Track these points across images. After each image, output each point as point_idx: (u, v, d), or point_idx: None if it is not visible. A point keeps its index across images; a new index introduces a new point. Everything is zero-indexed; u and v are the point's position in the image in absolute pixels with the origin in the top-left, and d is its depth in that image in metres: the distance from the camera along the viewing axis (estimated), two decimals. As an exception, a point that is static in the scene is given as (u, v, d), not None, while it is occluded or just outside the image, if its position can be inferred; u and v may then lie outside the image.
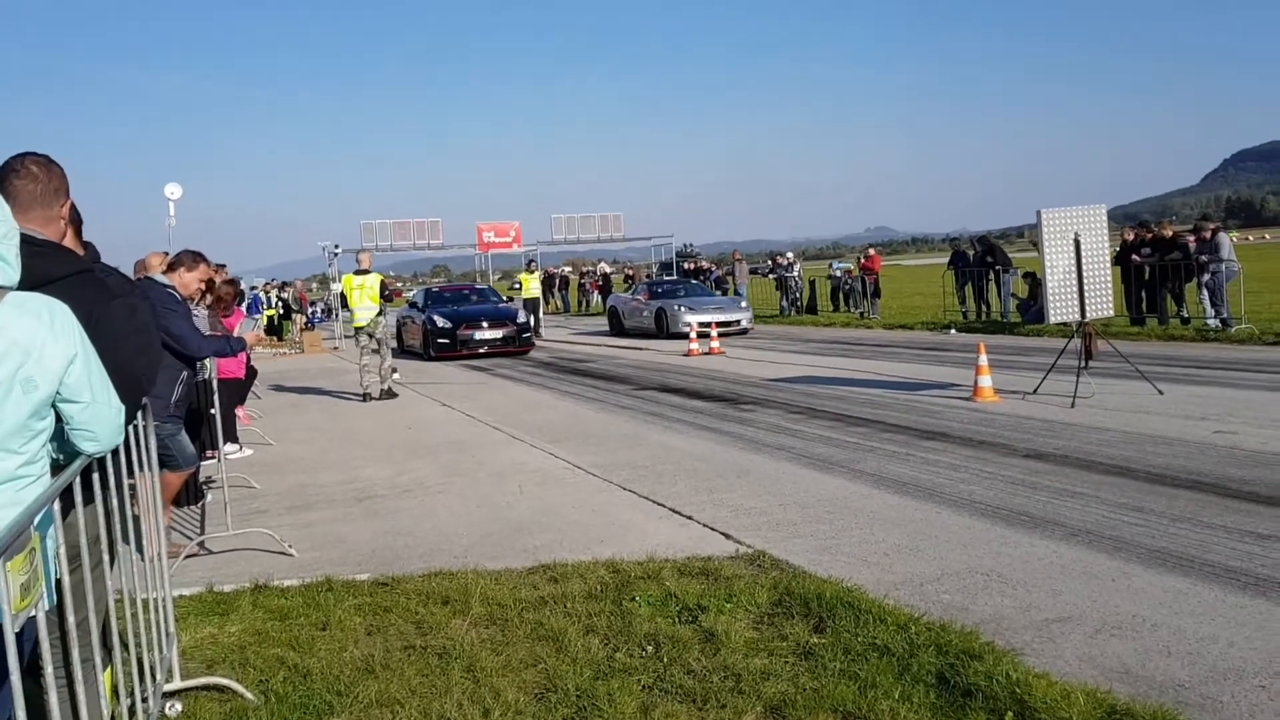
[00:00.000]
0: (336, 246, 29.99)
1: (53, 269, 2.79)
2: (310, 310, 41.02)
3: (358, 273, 14.80)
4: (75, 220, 3.34)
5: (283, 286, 37.69)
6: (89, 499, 2.80)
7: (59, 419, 2.61)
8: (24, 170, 2.92)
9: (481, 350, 20.74)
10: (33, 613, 2.23)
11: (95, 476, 2.81)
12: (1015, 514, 6.25)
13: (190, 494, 7.81)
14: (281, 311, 32.00)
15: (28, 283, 2.51)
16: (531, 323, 23.03)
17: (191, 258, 6.56)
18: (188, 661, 4.46)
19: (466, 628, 4.72)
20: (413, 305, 23.77)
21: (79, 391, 2.60)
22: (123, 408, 2.77)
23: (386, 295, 14.71)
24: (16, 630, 2.10)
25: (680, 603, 4.81)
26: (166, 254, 7.66)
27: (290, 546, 6.47)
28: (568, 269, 43.99)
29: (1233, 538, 5.49)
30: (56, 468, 2.66)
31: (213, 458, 8.01)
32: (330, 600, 5.22)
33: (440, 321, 21.01)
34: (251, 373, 10.65)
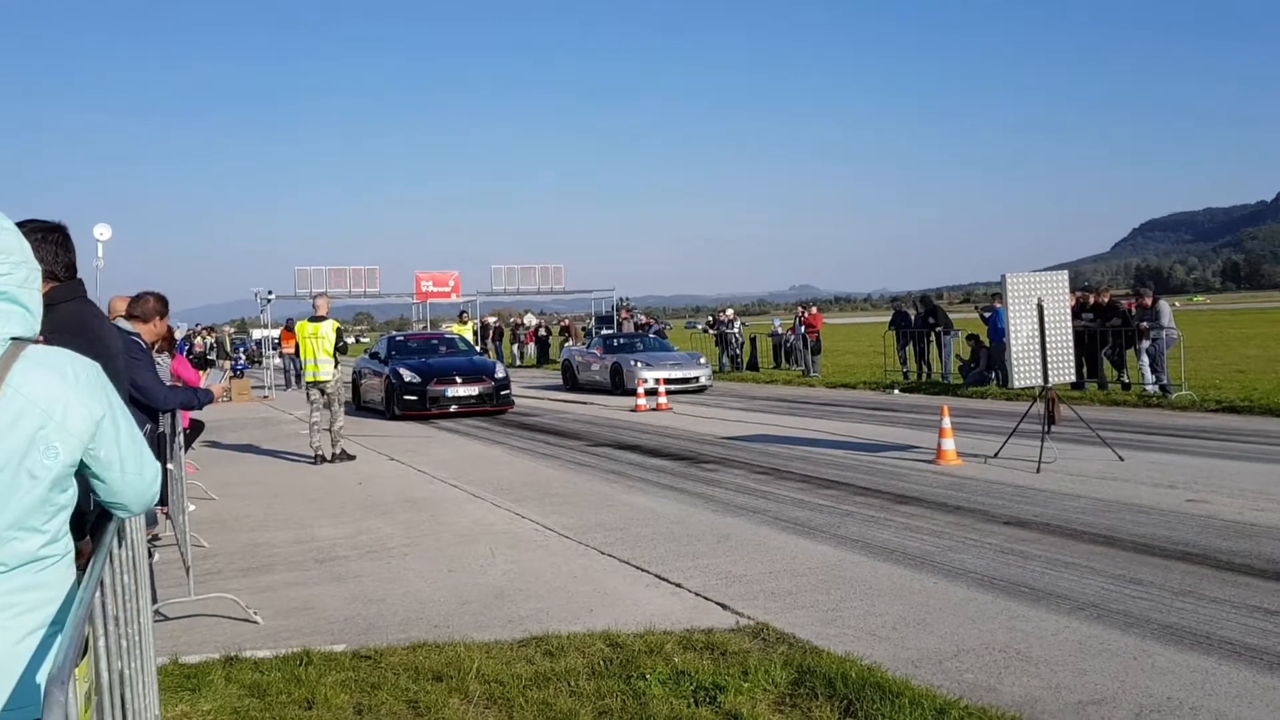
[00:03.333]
0: (270, 293, 29.30)
1: None
2: (235, 356, 40.01)
3: (312, 319, 13.55)
4: None
5: (210, 331, 36.73)
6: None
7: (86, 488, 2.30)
8: None
9: (453, 409, 18.53)
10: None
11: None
12: (1015, 585, 6.11)
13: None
14: (212, 358, 31.13)
15: None
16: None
17: (157, 301, 6.19)
18: (161, 746, 4.07)
19: (467, 708, 4.40)
20: (373, 356, 21.32)
21: (109, 461, 2.28)
22: (159, 473, 2.46)
23: (341, 346, 13.72)
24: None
25: (694, 681, 4.55)
26: (128, 298, 7.24)
27: (254, 613, 6.07)
28: (493, 319, 43.56)
29: (1241, 613, 5.40)
30: None
31: (164, 514, 7.55)
32: (311, 675, 4.86)
33: (408, 375, 18.75)
34: (198, 425, 10.16)
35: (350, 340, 23.57)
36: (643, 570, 6.84)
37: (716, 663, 4.82)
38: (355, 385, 21.00)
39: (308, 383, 13.55)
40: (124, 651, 2.81)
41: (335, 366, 13.42)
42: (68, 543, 2.28)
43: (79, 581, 2.29)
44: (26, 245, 2.25)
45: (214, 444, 15.44)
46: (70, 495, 2.27)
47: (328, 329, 13.37)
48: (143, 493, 2.38)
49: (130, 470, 2.33)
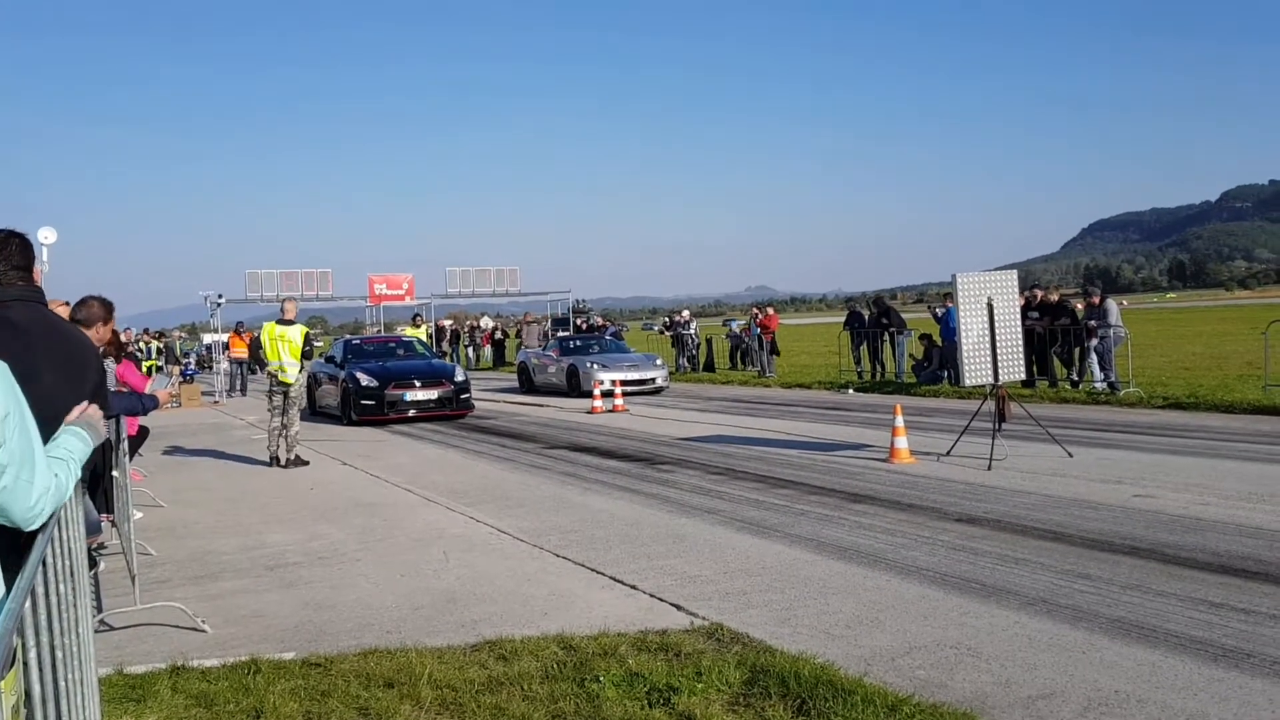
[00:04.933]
0: (220, 296, 28.91)
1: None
2: (185, 361, 39.46)
3: (280, 322, 13.38)
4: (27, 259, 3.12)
5: (159, 336, 36.18)
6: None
7: None
8: None
9: (411, 414, 18.05)
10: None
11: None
12: (966, 582, 6.16)
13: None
14: (160, 363, 30.66)
15: None
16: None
17: (101, 305, 6.06)
18: (105, 759, 3.99)
19: (419, 715, 4.35)
20: (329, 360, 20.71)
21: (5, 464, 2.21)
22: (50, 488, 2.37)
23: (308, 351, 13.52)
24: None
25: (648, 683, 4.53)
26: (67, 303, 7.09)
27: (202, 621, 5.97)
28: (449, 322, 43.33)
29: (1186, 606, 5.49)
30: None
31: (109, 521, 7.42)
32: (260, 684, 4.78)
33: (365, 380, 18.21)
34: (144, 431, 9.98)
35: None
36: (598, 572, 6.82)
37: (670, 664, 4.81)
38: (310, 390, 20.64)
39: (279, 383, 13.36)
40: (60, 663, 2.74)
41: (301, 370, 13.38)
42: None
43: (9, 590, 2.23)
44: None
45: (164, 450, 15.21)
46: None
47: (295, 333, 13.27)
48: (30, 505, 2.29)
49: (23, 478, 2.25)
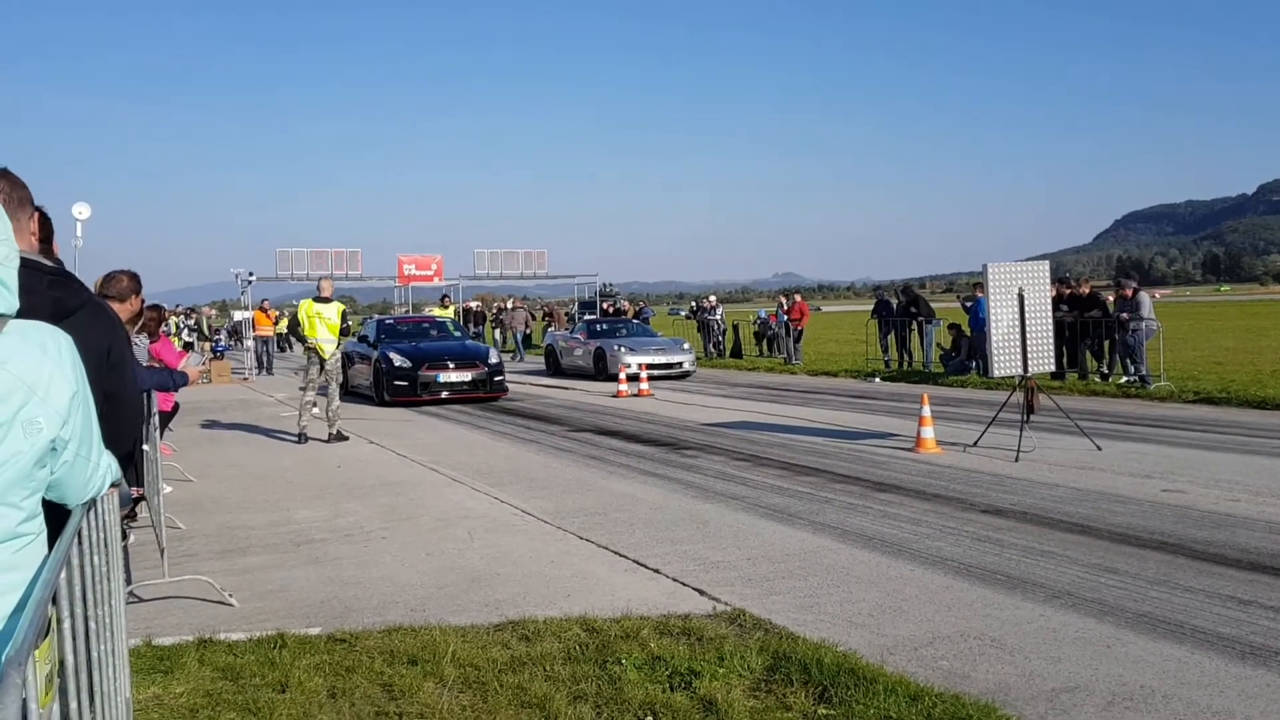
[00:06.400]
0: (251, 274, 29.10)
1: (70, 300, 2.46)
2: (216, 338, 39.78)
3: (317, 300, 13.68)
4: (46, 233, 3.04)
5: (189, 313, 36.49)
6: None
7: None
8: None
9: (445, 395, 17.93)
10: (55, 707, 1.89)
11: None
12: (991, 573, 6.13)
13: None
14: (190, 340, 30.92)
15: (55, 319, 2.18)
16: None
17: (130, 279, 6.12)
18: (133, 728, 4.04)
19: (442, 692, 4.38)
20: (362, 339, 20.64)
21: (64, 440, 2.23)
22: (101, 464, 2.40)
23: (345, 328, 13.78)
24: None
25: (670, 666, 4.55)
26: (103, 278, 7.17)
27: (230, 595, 6.04)
28: (475, 304, 43.40)
29: (1214, 603, 5.44)
30: None
31: (139, 495, 7.50)
32: (285, 658, 4.83)
33: (398, 360, 18.08)
34: (175, 406, 10.08)
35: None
36: (621, 555, 6.84)
37: (692, 648, 4.82)
38: (343, 370, 20.75)
39: (310, 357, 13.66)
40: (93, 633, 2.78)
41: (337, 346, 13.71)
42: (41, 522, 2.24)
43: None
44: (8, 223, 2.21)
45: (194, 426, 15.36)
46: (48, 472, 2.23)
47: (331, 311, 13.62)
48: (87, 480, 2.31)
49: (81, 455, 2.27)
